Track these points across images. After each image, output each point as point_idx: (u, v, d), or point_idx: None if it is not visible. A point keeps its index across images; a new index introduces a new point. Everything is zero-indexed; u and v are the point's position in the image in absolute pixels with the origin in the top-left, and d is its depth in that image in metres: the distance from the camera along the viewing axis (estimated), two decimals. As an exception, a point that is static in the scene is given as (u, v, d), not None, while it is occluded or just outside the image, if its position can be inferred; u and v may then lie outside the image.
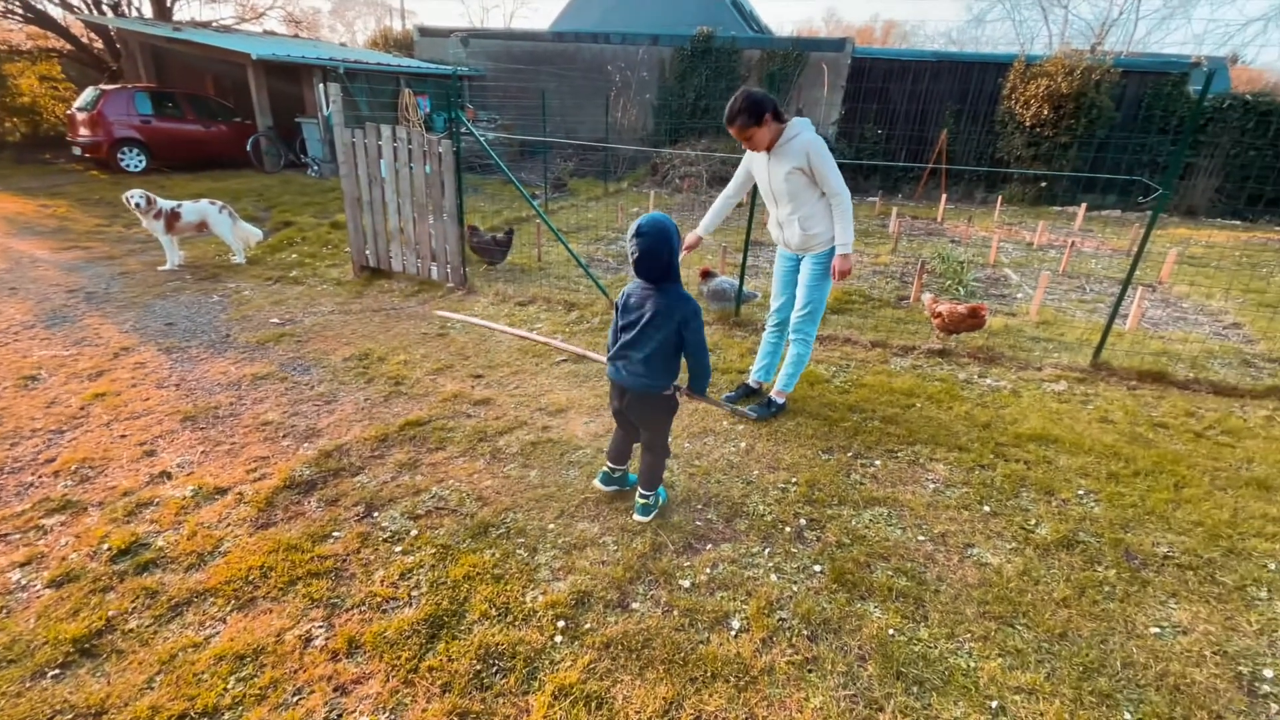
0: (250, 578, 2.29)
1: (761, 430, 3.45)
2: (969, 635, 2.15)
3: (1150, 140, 11.98)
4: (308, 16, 23.55)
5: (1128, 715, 1.88)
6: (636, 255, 2.28)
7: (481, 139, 5.91)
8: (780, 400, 3.61)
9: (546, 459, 3.10)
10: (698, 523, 2.68)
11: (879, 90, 13.51)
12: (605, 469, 2.81)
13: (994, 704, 1.90)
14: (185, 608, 2.17)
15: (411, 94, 13.01)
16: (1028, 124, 11.99)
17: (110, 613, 2.12)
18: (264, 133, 12.69)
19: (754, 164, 3.31)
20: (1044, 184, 12.11)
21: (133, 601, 2.18)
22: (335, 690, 1.88)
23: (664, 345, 2.35)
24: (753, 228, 5.12)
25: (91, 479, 2.85)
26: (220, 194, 8.47)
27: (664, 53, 14.53)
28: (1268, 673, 2.05)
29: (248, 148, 12.55)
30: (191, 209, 6.06)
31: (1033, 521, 2.77)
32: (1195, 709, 1.91)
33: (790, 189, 3.16)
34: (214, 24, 18.15)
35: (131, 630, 2.07)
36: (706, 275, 5.32)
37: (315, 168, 12.43)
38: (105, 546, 2.42)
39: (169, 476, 2.88)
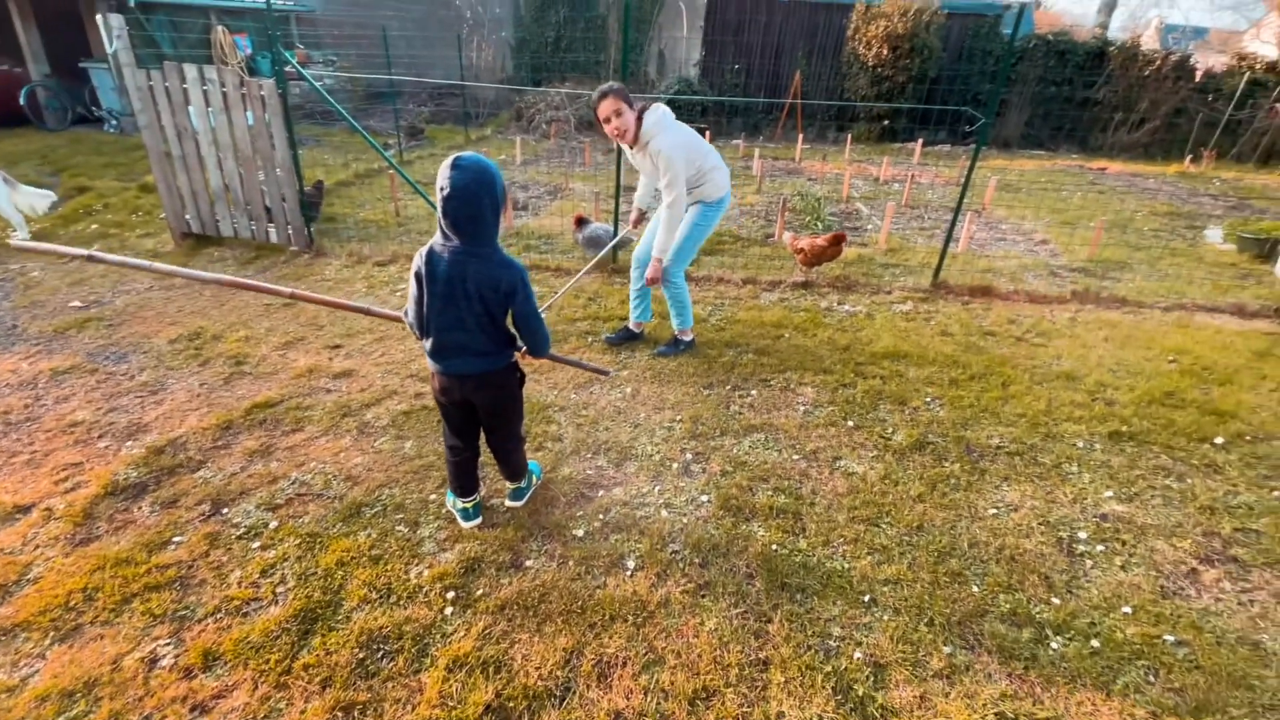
0: (71, 603, 1.96)
1: (646, 373, 3.46)
2: (842, 540, 2.32)
3: (972, 77, 13.13)
4: (75, -64, 19.38)
5: (975, 588, 2.14)
6: (447, 192, 1.76)
7: (315, 83, 5.25)
8: (687, 338, 3.70)
9: (423, 427, 2.91)
10: (588, 471, 2.66)
11: (736, 25, 13.62)
12: (461, 505, 2.30)
13: (866, 598, 2.08)
14: (-13, 649, 1.82)
15: (226, 32, 11.27)
16: (870, 64, 12.66)
17: (-119, 672, 1.74)
18: (40, 82, 10.48)
19: (626, 153, 3.38)
20: (886, 122, 12.95)
21: (-86, 653, 1.80)
22: (193, 710, 1.67)
23: (492, 318, 1.95)
24: (622, 173, 5.01)
25: None
26: (-19, 157, 6.94)
27: (515, -12, 13.64)
28: (1082, 534, 2.41)
29: (21, 101, 10.32)
30: (-59, 176, 4.90)
31: (890, 430, 3.02)
32: (1028, 574, 2.21)
33: (656, 178, 3.28)
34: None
35: (-84, 687, 1.72)
36: (581, 222, 5.17)
37: (114, 122, 10.52)
38: None
39: (-53, 501, 2.38)
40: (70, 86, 10.85)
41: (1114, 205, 8.13)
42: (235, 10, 12.73)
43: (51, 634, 1.88)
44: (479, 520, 2.33)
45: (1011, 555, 2.30)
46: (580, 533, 2.31)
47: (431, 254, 1.90)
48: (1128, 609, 2.08)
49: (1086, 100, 12.90)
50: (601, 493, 2.54)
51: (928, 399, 3.31)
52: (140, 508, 2.38)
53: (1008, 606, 2.07)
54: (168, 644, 1.85)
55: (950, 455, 2.85)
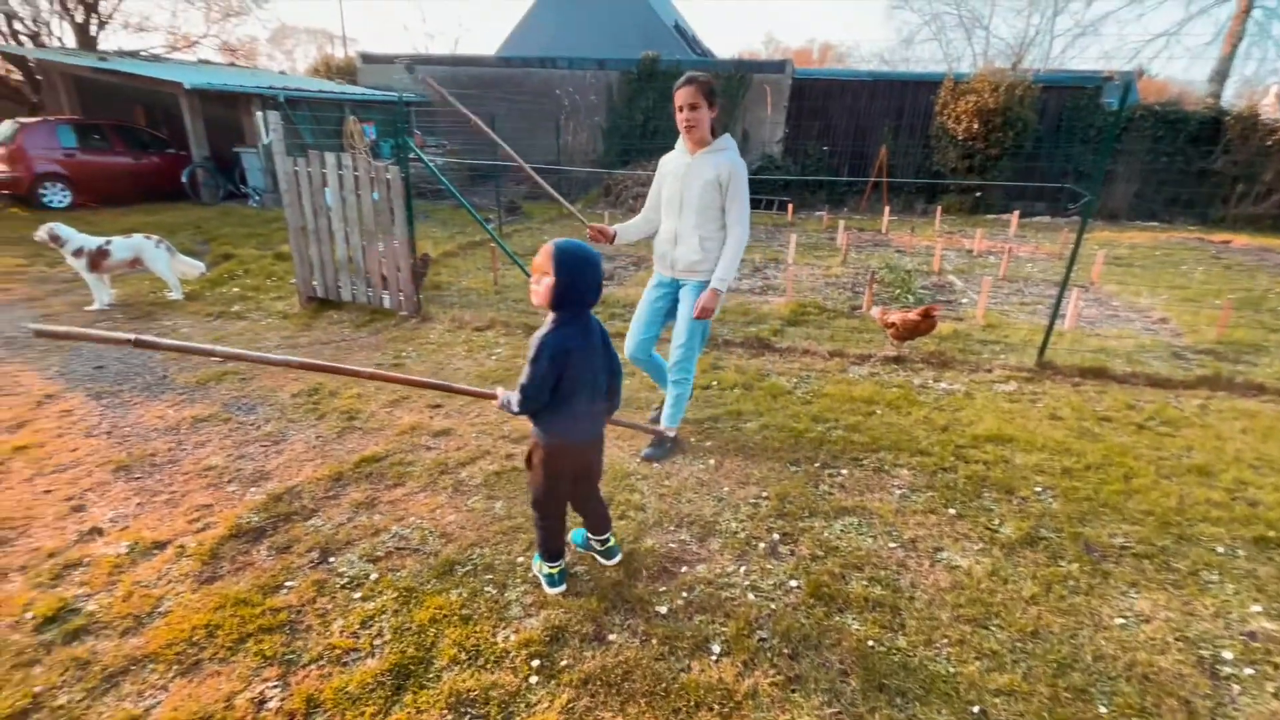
0: (194, 639, 2.12)
1: (730, 445, 3.43)
2: (946, 640, 2.16)
3: (1073, 150, 12.72)
4: (244, 45, 23.01)
5: (1102, 709, 1.91)
6: (589, 274, 2.00)
7: (430, 164, 5.82)
8: (672, 434, 3.33)
9: (513, 489, 3.00)
10: (671, 545, 2.63)
11: (820, 109, 13.99)
12: (551, 570, 2.35)
13: (975, 709, 1.90)
14: (121, 677, 1.99)
15: (357, 121, 12.78)
16: (960, 138, 12.58)
17: (37, 688, 1.93)
18: (200, 163, 12.23)
19: (669, 168, 3.09)
20: (979, 194, 12.69)
21: (62, 674, 1.99)
22: (294, 755, 1.74)
23: (610, 380, 2.19)
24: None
25: (12, 541, 2.61)
26: (155, 228, 8.07)
27: (611, 76, 14.72)
28: (1227, 654, 2.13)
29: (183, 179, 12.06)
30: (123, 245, 5.74)
31: (996, 521, 2.82)
32: (1164, 697, 1.96)
33: (702, 202, 2.97)
34: (143, 53, 17.49)
35: (61, 707, 1.89)
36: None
37: (257, 198, 12.03)
38: (29, 615, 2.21)
39: (100, 533, 2.67)
40: (223, 168, 12.57)
41: (1243, 281, 7.47)
42: (365, 103, 14.46)
43: (175, 667, 2.03)
44: (564, 587, 2.35)
45: (1144, 674, 2.05)
46: (663, 610, 2.28)
47: (573, 338, 2.01)
48: (1296, 752, 1.79)
49: (1203, 171, 12.16)
50: (685, 569, 2.50)
51: (1038, 489, 3.08)
52: (259, 551, 2.57)
53: (1145, 735, 1.83)
54: (275, 686, 1.95)
55: (1067, 553, 2.61)
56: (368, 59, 16.83)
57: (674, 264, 3.13)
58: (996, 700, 1.93)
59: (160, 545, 2.60)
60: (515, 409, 2.10)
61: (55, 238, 5.46)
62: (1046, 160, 12.72)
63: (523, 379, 2.01)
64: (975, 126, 12.29)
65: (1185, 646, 2.16)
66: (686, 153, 3.03)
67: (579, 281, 1.97)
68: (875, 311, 4.98)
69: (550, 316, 2.04)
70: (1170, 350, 5.06)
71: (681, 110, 2.88)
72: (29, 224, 9.35)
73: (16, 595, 2.30)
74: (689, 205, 3.01)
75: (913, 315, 4.59)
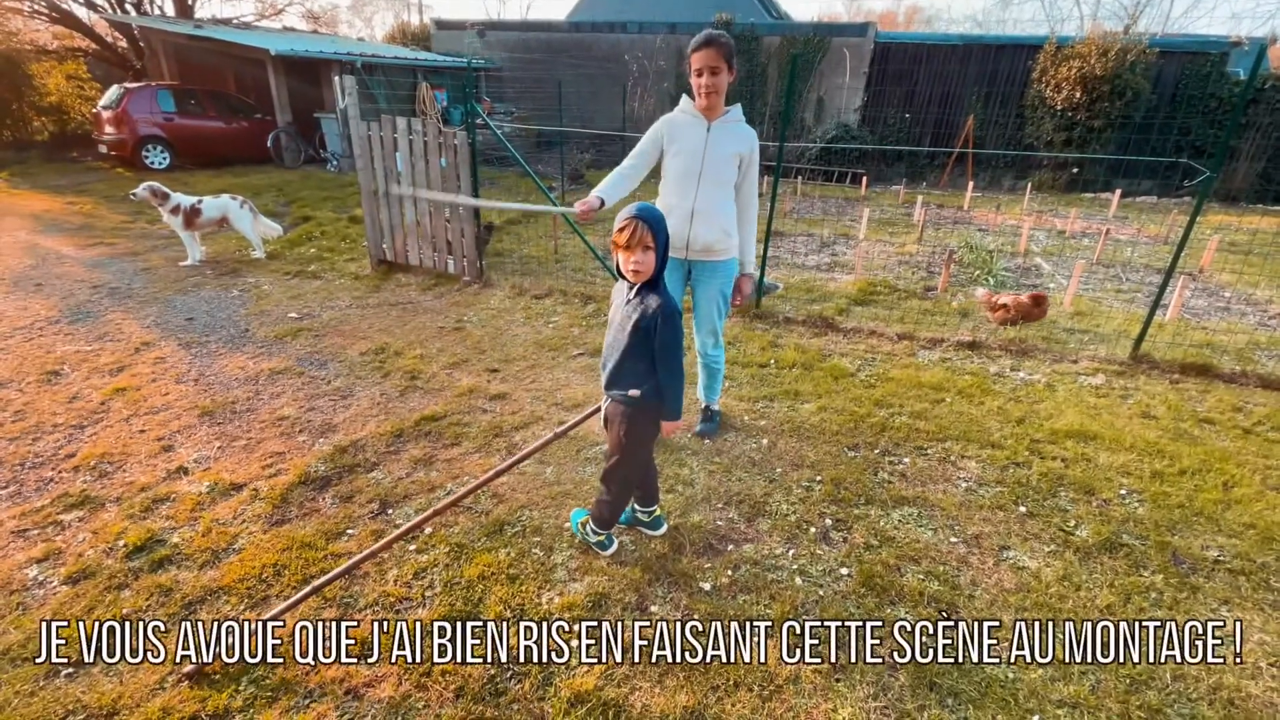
0: (263, 576, 2.26)
1: (784, 426, 3.34)
2: (1007, 644, 2.04)
3: (1193, 122, 11.51)
4: (326, 12, 23.79)
5: (1181, 733, 1.77)
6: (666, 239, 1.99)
7: (497, 131, 5.85)
8: (717, 407, 3.33)
9: (563, 455, 3.03)
10: (718, 522, 2.59)
11: (903, 75, 13.19)
12: (602, 537, 2.38)
13: (1035, 718, 1.79)
14: (199, 606, 2.14)
15: (429, 87, 13.01)
16: (1059, 107, 11.60)
17: (125, 610, 2.10)
18: (284, 128, 12.78)
19: (683, 133, 2.75)
20: (1075, 170, 11.72)
21: (147, 599, 2.16)
22: (347, 694, 1.83)
23: None
24: (773, 217, 4.98)
25: (110, 474, 2.85)
26: (242, 189, 8.54)
27: (681, 41, 14.31)
28: (1334, 689, 1.92)
29: (268, 144, 12.65)
30: (213, 204, 6.09)
31: (1072, 523, 2.63)
32: (1255, 727, 1.79)
33: (723, 177, 2.73)
34: (234, 21, 18.31)
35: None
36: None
37: (334, 162, 12.50)
38: (121, 543, 2.40)
39: (186, 472, 2.87)
40: (304, 133, 13.08)
41: (1386, 275, 6.62)
42: (438, 69, 14.67)
43: (246, 600, 2.16)
44: (616, 546, 2.39)
45: (1230, 699, 1.87)
46: (707, 586, 2.25)
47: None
48: None
49: (1346, 148, 10.78)
50: (731, 547, 2.46)
51: (1122, 491, 2.85)
52: (324, 499, 2.70)
53: (1228, 765, 1.68)
54: (333, 626, 2.05)
55: (1150, 563, 2.41)
56: (441, 25, 17.01)
57: (689, 244, 2.82)
58: (1059, 712, 1.81)
59: (237, 487, 2.77)
60: (677, 387, 2.02)
61: (156, 193, 5.84)
62: (1158, 134, 11.58)
63: (668, 354, 1.95)
64: (1078, 95, 11.29)
65: (1282, 674, 1.96)
66: (701, 120, 2.72)
67: (668, 240, 1.98)
68: (980, 293, 4.67)
69: (649, 285, 1.98)
70: (1289, 348, 4.55)
71: (700, 75, 2.57)
72: (133, 184, 10.07)
73: (111, 524, 2.51)
74: (709, 179, 2.72)
75: (1024, 299, 4.31)
